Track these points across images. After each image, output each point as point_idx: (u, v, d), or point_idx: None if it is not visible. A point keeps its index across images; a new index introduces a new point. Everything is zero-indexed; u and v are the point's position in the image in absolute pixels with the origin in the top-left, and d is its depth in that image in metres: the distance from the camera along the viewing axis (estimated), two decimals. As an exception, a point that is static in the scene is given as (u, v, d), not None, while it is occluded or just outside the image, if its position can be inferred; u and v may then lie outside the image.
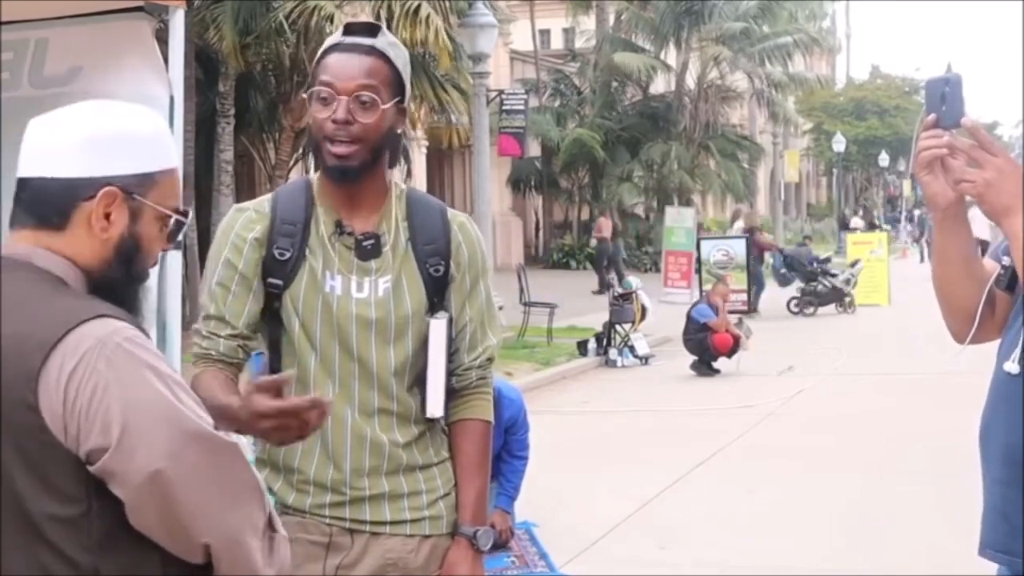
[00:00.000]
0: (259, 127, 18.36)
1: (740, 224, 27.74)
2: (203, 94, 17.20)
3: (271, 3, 16.01)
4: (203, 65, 17.34)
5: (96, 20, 4.44)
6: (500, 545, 6.54)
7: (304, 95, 2.59)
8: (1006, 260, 2.45)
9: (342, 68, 2.52)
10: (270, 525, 1.86)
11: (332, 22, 15.43)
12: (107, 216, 1.83)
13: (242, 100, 17.47)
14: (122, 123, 1.86)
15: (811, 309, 20.28)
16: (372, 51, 2.53)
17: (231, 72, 16.58)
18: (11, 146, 1.99)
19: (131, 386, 1.72)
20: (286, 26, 15.91)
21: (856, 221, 32.64)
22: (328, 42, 2.58)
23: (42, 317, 1.75)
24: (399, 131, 2.61)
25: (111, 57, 4.31)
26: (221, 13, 15.34)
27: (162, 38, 4.41)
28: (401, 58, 2.57)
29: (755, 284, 20.94)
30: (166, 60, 4.35)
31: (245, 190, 18.69)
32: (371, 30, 2.56)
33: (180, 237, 1.97)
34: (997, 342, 2.50)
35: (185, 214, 1.93)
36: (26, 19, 4.48)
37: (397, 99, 2.56)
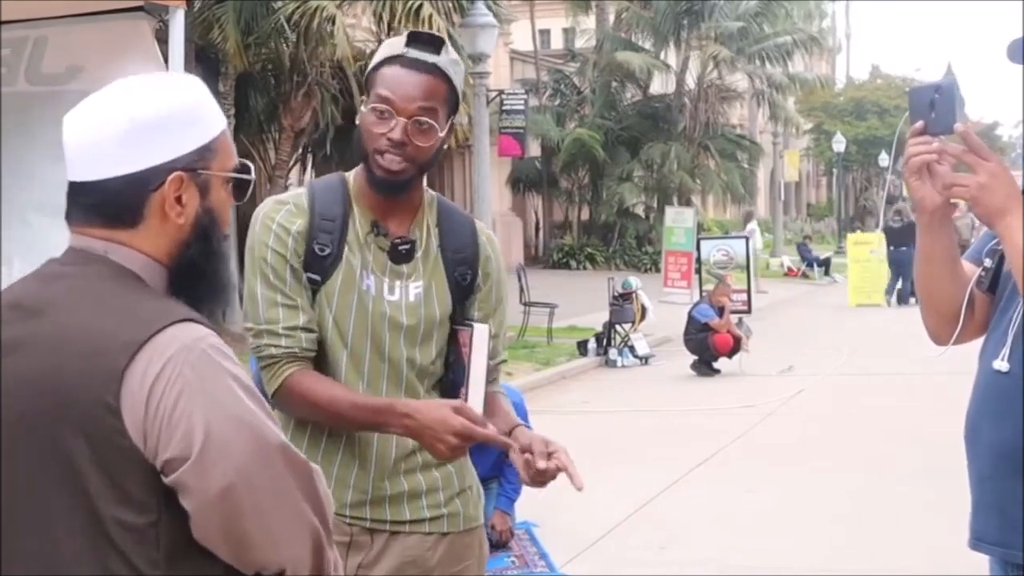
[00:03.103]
0: (259, 127, 18.34)
1: (752, 225, 27.81)
2: (203, 94, 17.16)
3: (272, 3, 16.00)
4: (203, 65, 17.31)
5: (96, 20, 4.45)
6: (500, 545, 6.55)
7: (363, 108, 2.55)
8: (988, 262, 2.54)
9: (403, 85, 2.49)
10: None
11: (334, 23, 15.44)
12: (179, 200, 1.77)
13: (242, 100, 17.45)
14: (167, 102, 1.78)
15: None
16: (434, 69, 2.51)
17: (231, 72, 16.57)
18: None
19: (215, 395, 1.66)
20: (287, 27, 15.90)
21: None
22: (389, 49, 2.54)
23: (125, 316, 1.68)
24: (446, 145, 2.62)
25: (111, 57, 4.31)
26: (224, 13, 15.33)
27: (162, 38, 4.41)
28: (460, 75, 2.56)
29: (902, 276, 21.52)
30: (166, 60, 4.35)
31: (245, 190, 18.66)
32: (435, 44, 2.53)
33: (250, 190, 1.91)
34: (978, 342, 2.56)
35: (248, 168, 1.88)
36: (26, 18, 4.48)
37: (451, 117, 2.57)
